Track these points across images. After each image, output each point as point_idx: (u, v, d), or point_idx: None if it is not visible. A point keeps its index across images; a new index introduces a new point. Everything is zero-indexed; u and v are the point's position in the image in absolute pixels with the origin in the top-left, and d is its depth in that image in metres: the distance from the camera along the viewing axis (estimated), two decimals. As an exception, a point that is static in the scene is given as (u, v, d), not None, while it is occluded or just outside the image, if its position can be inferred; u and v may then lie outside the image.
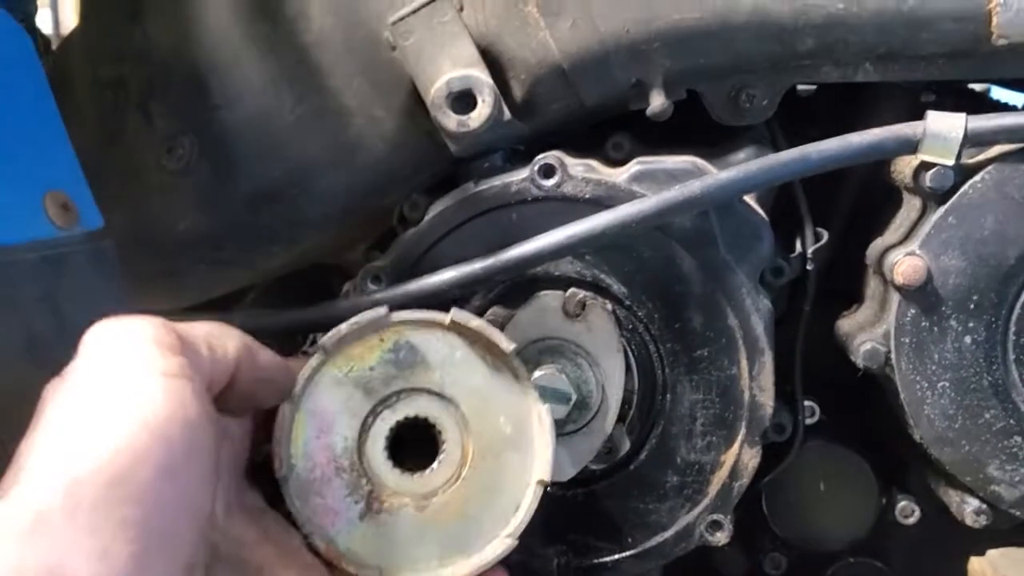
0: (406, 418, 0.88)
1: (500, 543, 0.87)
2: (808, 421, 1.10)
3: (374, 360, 0.88)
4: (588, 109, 1.05)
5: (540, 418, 0.89)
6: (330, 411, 0.88)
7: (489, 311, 1.05)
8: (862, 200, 1.19)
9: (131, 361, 0.68)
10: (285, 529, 0.84)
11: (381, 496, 0.87)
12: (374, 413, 0.88)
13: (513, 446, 0.89)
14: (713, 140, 1.11)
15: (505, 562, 0.88)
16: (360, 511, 0.87)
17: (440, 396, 0.89)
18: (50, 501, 0.59)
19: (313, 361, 0.87)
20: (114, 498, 0.60)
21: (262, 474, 0.86)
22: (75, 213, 0.91)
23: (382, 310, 0.87)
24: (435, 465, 0.88)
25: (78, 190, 0.93)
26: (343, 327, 0.87)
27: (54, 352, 0.83)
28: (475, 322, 0.88)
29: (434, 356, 0.89)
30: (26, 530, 0.58)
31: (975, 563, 1.43)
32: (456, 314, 0.88)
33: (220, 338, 0.76)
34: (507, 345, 0.88)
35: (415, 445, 0.90)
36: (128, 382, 0.66)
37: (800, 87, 1.24)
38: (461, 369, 0.89)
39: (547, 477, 0.88)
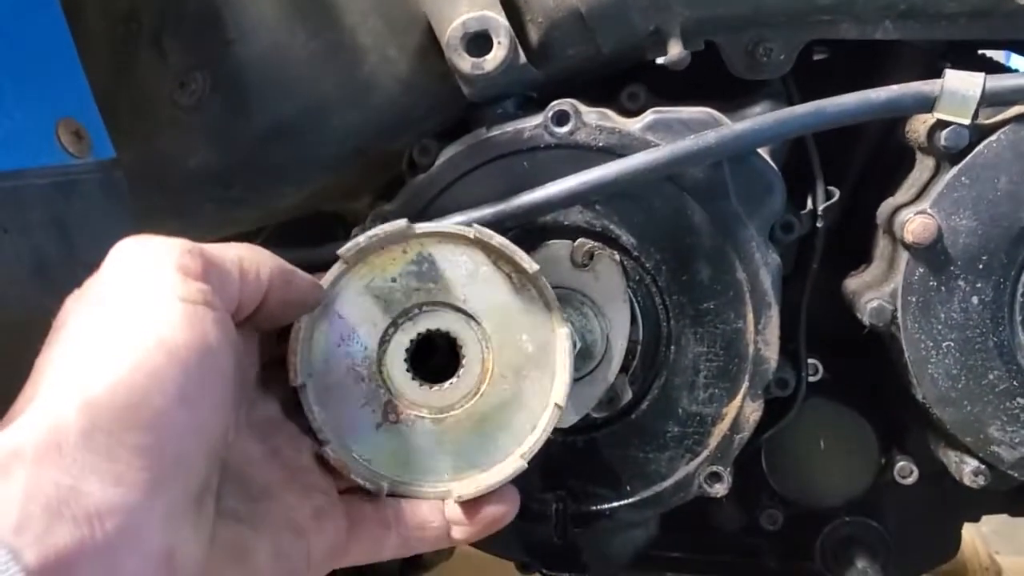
0: (427, 331, 0.89)
1: (513, 461, 0.88)
2: (811, 378, 1.11)
3: (396, 271, 0.89)
4: (604, 57, 1.04)
5: (562, 341, 0.89)
6: (351, 320, 0.88)
7: (498, 258, 1.05)
8: (874, 161, 1.19)
9: (151, 283, 0.68)
10: (295, 448, 0.85)
11: (399, 407, 0.88)
12: (395, 324, 0.89)
13: (534, 365, 0.90)
14: (729, 95, 1.10)
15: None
16: (377, 420, 0.88)
17: (462, 312, 0.89)
18: (66, 420, 0.59)
19: (334, 270, 0.87)
20: (130, 422, 0.61)
21: (277, 384, 0.86)
22: (87, 142, 0.91)
23: (403, 221, 0.87)
24: (454, 379, 0.89)
25: (91, 119, 0.93)
26: (362, 238, 0.87)
27: (61, 276, 0.83)
28: (497, 239, 0.88)
29: (457, 271, 0.89)
30: (42, 449, 0.58)
31: (967, 536, 1.44)
32: (480, 229, 0.88)
33: (252, 261, 0.76)
34: (531, 265, 0.88)
35: (435, 359, 0.90)
36: (147, 304, 0.66)
37: (816, 50, 1.24)
38: (485, 286, 0.89)
39: (563, 401, 0.88)
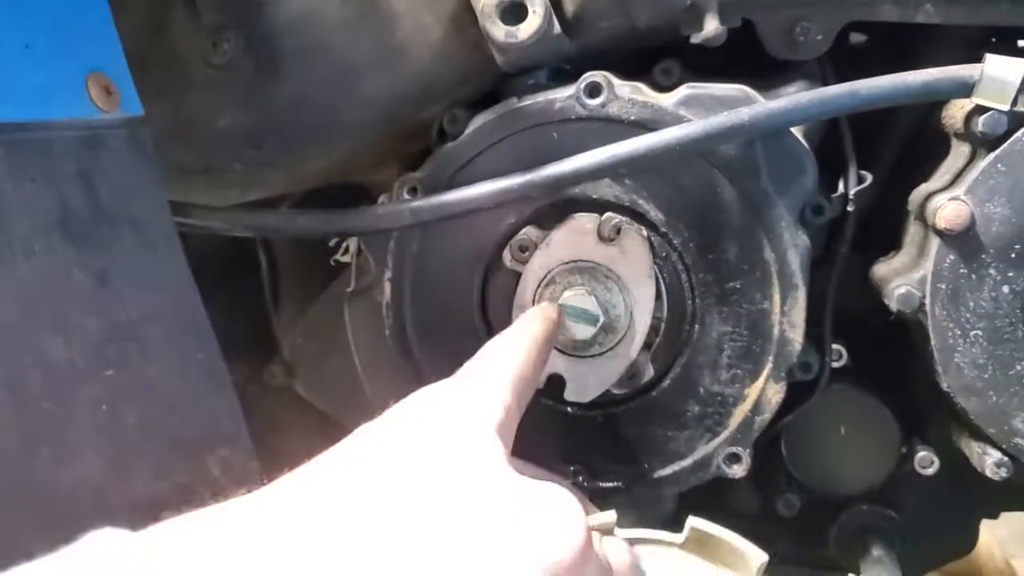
0: None
1: None
2: (835, 364, 1.09)
3: None
4: (639, 30, 1.03)
5: None
6: None
7: (523, 230, 1.04)
8: (908, 147, 1.17)
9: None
10: None
11: None
12: None
13: None
14: (764, 75, 1.09)
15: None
16: None
17: None
18: None
19: None
20: None
21: None
22: (116, 97, 0.91)
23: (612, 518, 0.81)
24: None
25: (120, 75, 0.93)
26: None
27: (86, 229, 0.84)
28: (717, 531, 0.83)
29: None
30: None
31: (982, 540, 1.43)
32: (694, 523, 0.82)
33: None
34: (758, 557, 0.82)
35: None
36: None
37: (853, 36, 1.22)
38: None
39: None
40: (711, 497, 1.24)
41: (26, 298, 0.77)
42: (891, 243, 1.11)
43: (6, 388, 0.73)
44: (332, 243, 1.22)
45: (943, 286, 0.97)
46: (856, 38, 1.24)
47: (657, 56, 1.08)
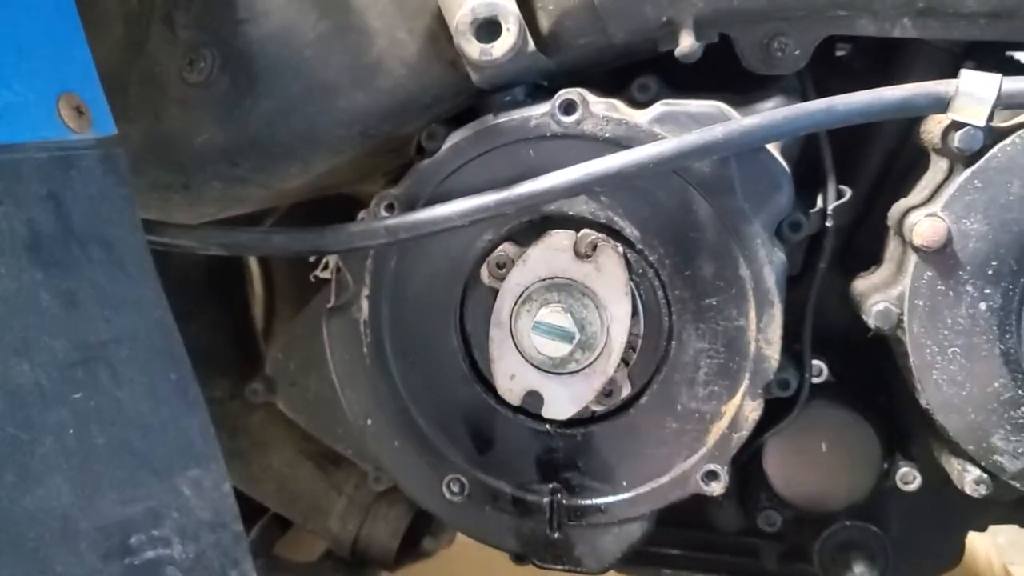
0: None
1: None
2: (815, 380, 1.09)
3: None
4: (616, 47, 1.03)
5: None
6: None
7: (500, 247, 1.04)
8: (888, 163, 1.16)
9: None
10: None
11: None
12: None
13: None
14: (742, 89, 1.08)
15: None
16: None
17: None
18: None
19: None
20: None
21: None
22: (88, 117, 0.91)
23: None
24: None
25: (93, 95, 0.92)
26: None
27: (55, 250, 0.83)
28: None
29: None
30: None
31: (980, 548, 1.42)
32: None
33: None
34: None
35: None
36: None
37: (838, 47, 1.22)
38: None
39: None
40: (695, 512, 1.24)
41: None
42: (873, 258, 1.11)
43: (-31, 413, 0.73)
44: (312, 259, 1.21)
45: (921, 303, 0.97)
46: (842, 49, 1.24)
47: (634, 72, 1.08)
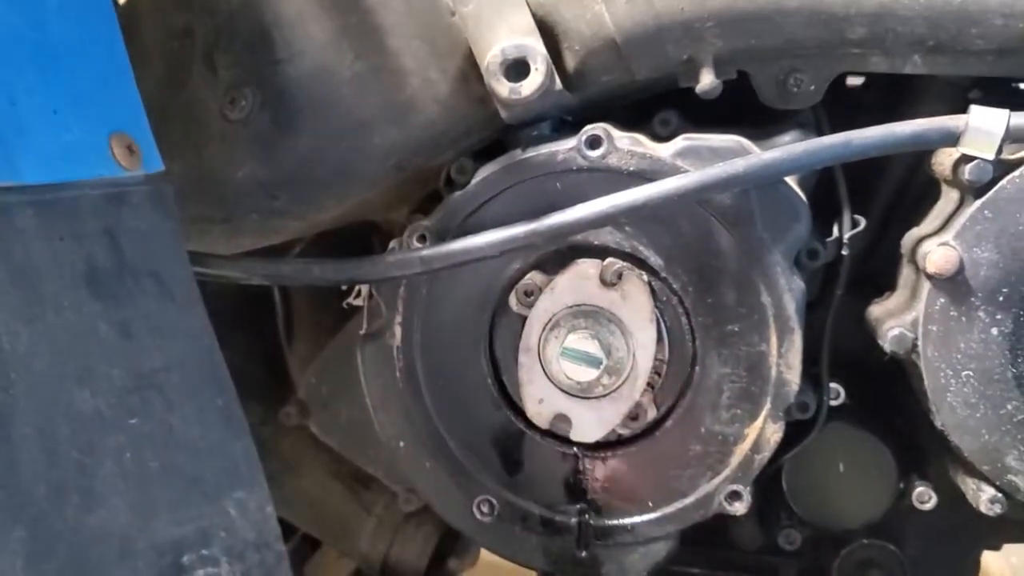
0: None
1: None
2: (833, 402, 1.12)
3: None
4: (638, 83, 1.07)
5: None
6: None
7: (528, 275, 1.08)
8: (901, 192, 1.21)
9: None
10: None
11: None
12: None
13: None
14: (759, 123, 1.12)
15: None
16: None
17: None
18: None
19: None
20: None
21: None
22: (139, 155, 0.95)
23: None
24: None
25: (142, 133, 0.97)
26: None
27: (110, 283, 0.87)
28: None
29: None
30: None
31: (994, 567, 1.44)
32: None
33: None
34: None
35: None
36: None
37: (848, 80, 1.26)
38: None
39: None
40: (715, 531, 1.27)
41: (55, 352, 0.80)
42: (886, 284, 1.15)
43: (37, 438, 0.76)
44: (344, 287, 1.25)
45: (934, 328, 1.01)
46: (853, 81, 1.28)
47: (655, 106, 1.12)
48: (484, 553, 1.68)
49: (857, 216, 1.13)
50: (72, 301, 0.84)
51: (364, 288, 1.20)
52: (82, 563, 0.77)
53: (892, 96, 1.19)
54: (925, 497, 1.15)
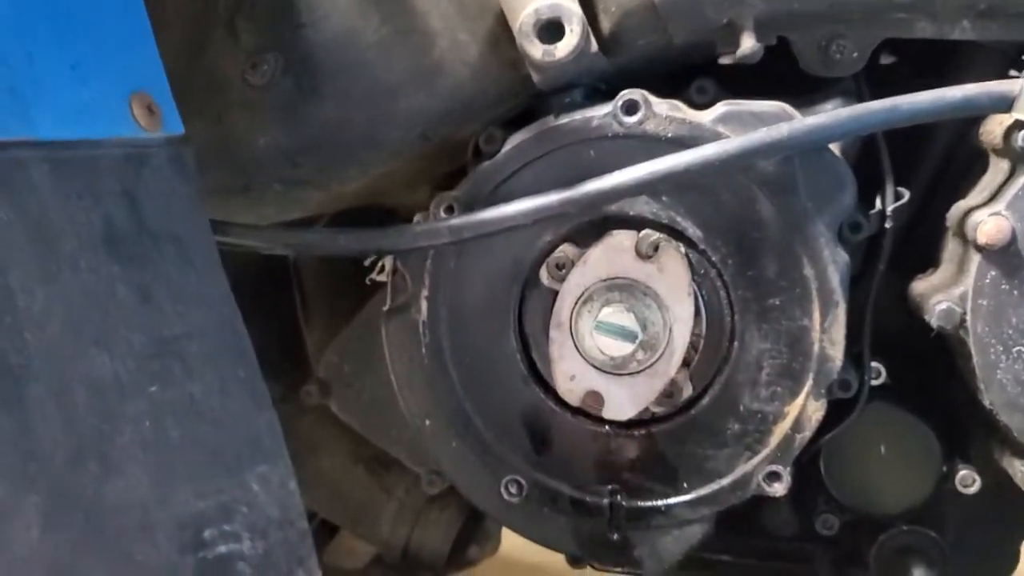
0: None
1: None
2: (874, 382, 1.08)
3: None
4: (675, 49, 1.04)
5: None
6: None
7: (560, 248, 1.04)
8: (945, 164, 1.16)
9: None
10: None
11: None
12: None
13: None
14: (798, 95, 1.09)
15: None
16: None
17: None
18: None
19: None
20: None
21: None
22: (159, 116, 0.92)
23: None
24: None
25: (162, 94, 0.94)
26: None
27: (130, 245, 0.84)
28: None
29: None
30: None
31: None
32: None
33: None
34: None
35: None
36: None
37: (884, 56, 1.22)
38: None
39: None
40: (746, 517, 1.24)
41: (72, 313, 0.77)
42: (927, 261, 1.11)
43: (52, 401, 0.73)
44: (367, 263, 1.22)
45: (984, 302, 0.97)
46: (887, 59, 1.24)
47: (691, 76, 1.09)
48: (501, 550, 1.65)
49: (900, 188, 1.09)
50: (90, 262, 0.81)
51: (388, 263, 1.17)
52: (100, 534, 0.73)
53: (929, 71, 1.15)
54: (969, 481, 1.11)
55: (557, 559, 1.17)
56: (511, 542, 1.62)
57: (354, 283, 1.27)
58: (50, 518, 0.71)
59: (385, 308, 1.12)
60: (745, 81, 1.07)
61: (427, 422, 1.11)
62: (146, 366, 0.82)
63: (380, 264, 1.20)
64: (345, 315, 1.36)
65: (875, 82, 1.12)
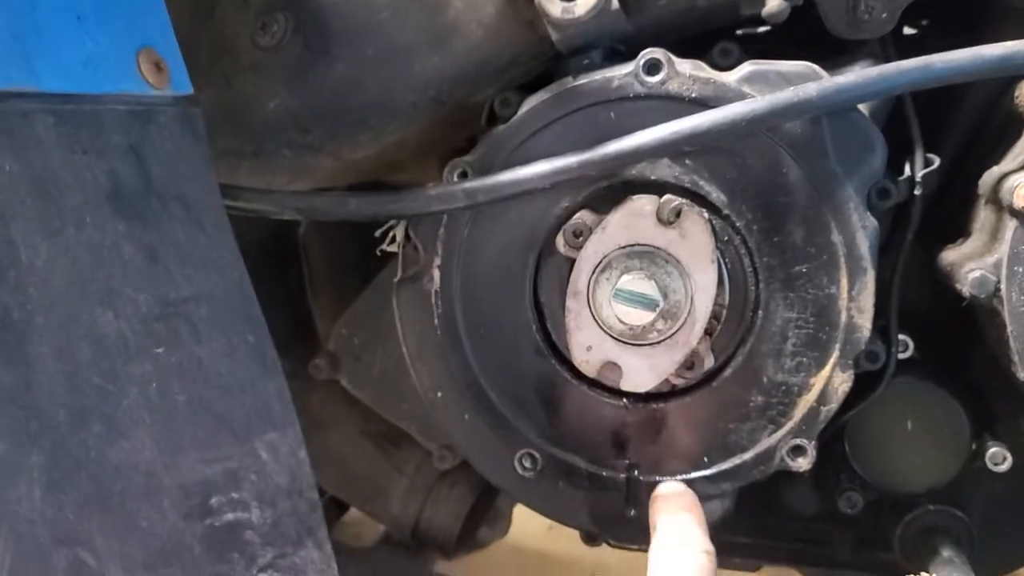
0: None
1: None
2: (901, 355, 1.05)
3: None
4: (698, 10, 1.00)
5: None
6: None
7: (577, 215, 1.01)
8: (975, 132, 1.13)
9: None
10: None
11: None
12: None
13: None
14: (823, 58, 1.05)
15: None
16: None
17: None
18: None
19: None
20: None
21: None
22: (167, 74, 0.90)
23: None
24: None
25: (171, 52, 0.91)
26: None
27: (136, 204, 0.82)
28: None
29: None
30: None
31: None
32: None
33: None
34: None
35: None
36: None
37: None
38: None
39: None
40: (764, 498, 1.20)
41: (76, 269, 0.75)
42: (955, 232, 1.08)
43: (55, 358, 0.71)
44: (378, 233, 1.19)
45: (1020, 269, 0.94)
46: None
47: (712, 42, 1.05)
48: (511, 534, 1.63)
49: (930, 155, 1.05)
50: (95, 218, 0.78)
51: (399, 232, 1.14)
52: (104, 496, 0.71)
53: (959, 36, 1.12)
54: (1000, 458, 1.08)
55: (565, 544, 1.14)
56: (521, 526, 1.60)
57: (362, 256, 1.24)
58: (53, 478, 0.68)
59: (396, 278, 1.09)
60: (768, 46, 1.04)
61: (439, 395, 1.08)
62: (152, 327, 0.79)
63: (391, 234, 1.17)
64: (354, 288, 1.34)
65: (901, 49, 1.09)
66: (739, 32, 1.17)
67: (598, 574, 1.84)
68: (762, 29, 1.16)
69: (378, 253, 1.19)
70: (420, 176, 1.19)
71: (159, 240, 0.83)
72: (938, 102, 1.08)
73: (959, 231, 1.07)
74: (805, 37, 1.04)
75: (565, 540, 1.10)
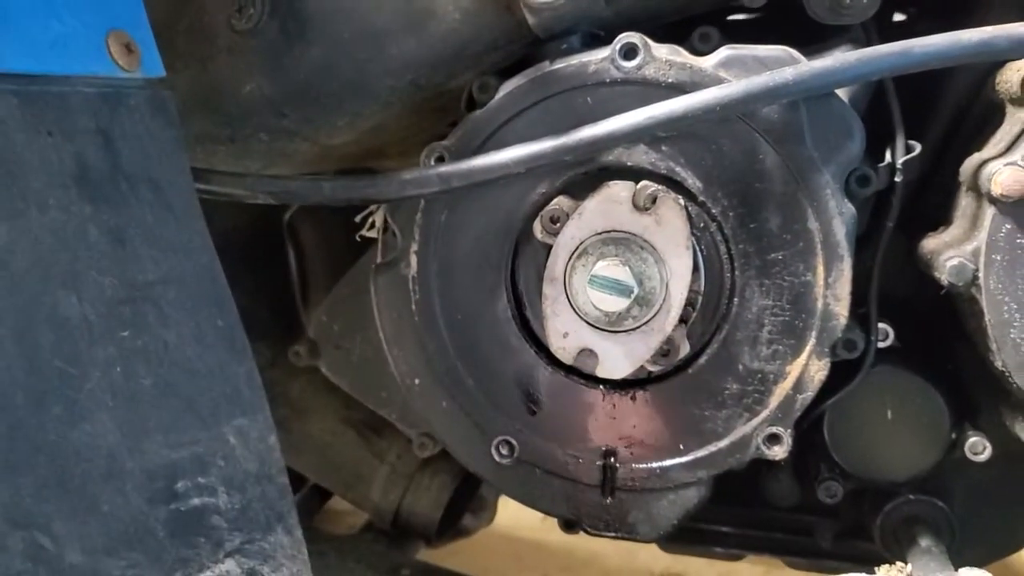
0: None
1: None
2: (881, 343, 1.04)
3: None
4: (678, -6, 0.99)
5: None
6: None
7: (554, 201, 1.00)
8: (956, 120, 1.12)
9: None
10: None
11: None
12: None
13: None
14: (805, 45, 1.04)
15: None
16: None
17: None
18: None
19: None
20: None
21: None
22: (137, 56, 0.89)
23: None
24: None
25: (142, 34, 0.91)
26: None
27: (103, 186, 0.81)
28: None
29: None
30: None
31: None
32: None
33: None
34: None
35: None
36: None
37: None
38: None
39: None
40: (745, 488, 1.20)
41: (39, 252, 0.74)
42: (936, 220, 1.07)
43: (15, 341, 0.70)
44: (358, 219, 1.18)
45: (998, 257, 0.92)
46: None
47: (692, 28, 1.04)
48: (498, 525, 1.62)
49: (911, 142, 1.04)
50: (59, 200, 0.77)
51: (379, 218, 1.13)
52: (64, 479, 0.70)
53: (945, 24, 1.10)
54: (979, 448, 1.07)
55: (559, 534, 1.13)
56: (515, 516, 1.59)
57: (353, 243, 1.24)
58: (10, 461, 0.68)
59: (374, 264, 1.09)
60: (748, 33, 1.02)
61: (416, 381, 1.07)
62: (117, 311, 0.79)
63: (371, 220, 1.17)
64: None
65: (890, 37, 1.08)
66: (728, 19, 1.16)
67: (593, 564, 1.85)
68: (744, 16, 1.16)
69: (358, 239, 1.19)
70: (404, 163, 1.18)
71: (127, 223, 0.82)
72: (921, 89, 1.07)
73: (941, 219, 1.06)
74: (787, 25, 1.02)
75: (559, 530, 1.09)
